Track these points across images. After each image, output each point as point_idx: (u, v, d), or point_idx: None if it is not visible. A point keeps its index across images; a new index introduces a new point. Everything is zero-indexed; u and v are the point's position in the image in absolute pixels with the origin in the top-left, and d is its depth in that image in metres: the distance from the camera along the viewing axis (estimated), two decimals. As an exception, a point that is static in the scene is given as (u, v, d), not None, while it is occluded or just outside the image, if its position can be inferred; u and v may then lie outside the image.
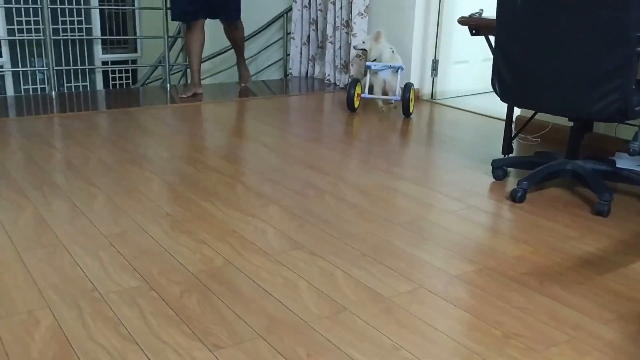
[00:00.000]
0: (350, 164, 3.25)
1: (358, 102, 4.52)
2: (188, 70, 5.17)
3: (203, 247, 2.13)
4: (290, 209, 2.51)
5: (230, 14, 4.81)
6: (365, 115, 4.60)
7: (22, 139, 3.44)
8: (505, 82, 2.68)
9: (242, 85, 5.29)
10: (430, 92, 4.97)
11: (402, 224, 2.41)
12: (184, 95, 4.79)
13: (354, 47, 4.85)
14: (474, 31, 3.17)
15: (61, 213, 2.40)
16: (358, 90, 4.45)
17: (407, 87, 4.29)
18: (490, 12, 3.13)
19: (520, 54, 2.58)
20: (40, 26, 6.26)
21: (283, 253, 2.11)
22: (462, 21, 3.15)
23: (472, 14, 3.15)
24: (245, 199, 2.62)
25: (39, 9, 6.28)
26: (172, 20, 4.77)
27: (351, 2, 5.04)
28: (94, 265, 1.98)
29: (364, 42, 4.64)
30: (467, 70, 5.08)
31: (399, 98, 4.34)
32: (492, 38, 2.99)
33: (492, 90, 2.77)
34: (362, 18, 5.04)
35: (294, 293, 1.84)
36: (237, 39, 5.03)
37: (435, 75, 4.92)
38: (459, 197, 2.73)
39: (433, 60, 4.88)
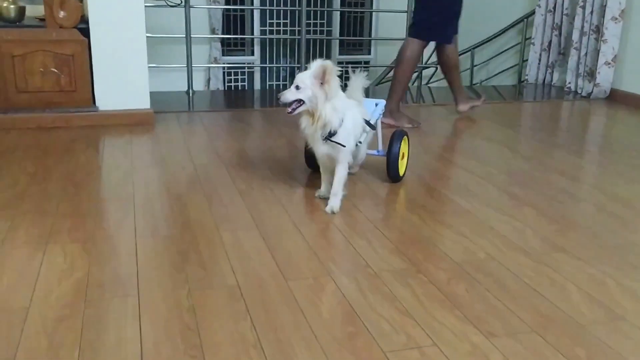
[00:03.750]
0: (604, 173, 3.08)
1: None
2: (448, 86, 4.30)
3: (463, 240, 2.18)
4: (546, 213, 2.47)
5: None
6: (612, 124, 4.33)
7: (283, 127, 3.79)
8: None
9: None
10: (691, 104, 4.51)
11: (673, 240, 2.24)
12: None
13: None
14: None
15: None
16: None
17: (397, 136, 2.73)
18: None
19: None
20: (289, 27, 6.82)
21: (545, 255, 2.08)
22: None
23: None
24: (498, 198, 2.63)
25: (288, 12, 6.85)
26: (431, 41, 3.95)
27: (604, 6, 4.77)
28: (364, 244, 2.13)
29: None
30: None
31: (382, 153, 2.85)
32: None
33: None
34: (615, 23, 4.74)
35: (562, 295, 1.81)
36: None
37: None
38: None
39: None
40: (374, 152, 2.87)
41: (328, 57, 7.33)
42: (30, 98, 3.59)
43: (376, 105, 2.83)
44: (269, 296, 1.77)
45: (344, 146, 2.37)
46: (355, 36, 7.36)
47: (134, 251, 2.03)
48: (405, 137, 2.79)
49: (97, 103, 3.70)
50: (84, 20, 3.63)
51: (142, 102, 3.74)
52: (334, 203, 2.40)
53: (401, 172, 2.78)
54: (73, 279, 1.83)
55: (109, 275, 1.87)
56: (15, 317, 1.62)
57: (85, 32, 3.59)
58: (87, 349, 1.49)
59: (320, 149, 2.42)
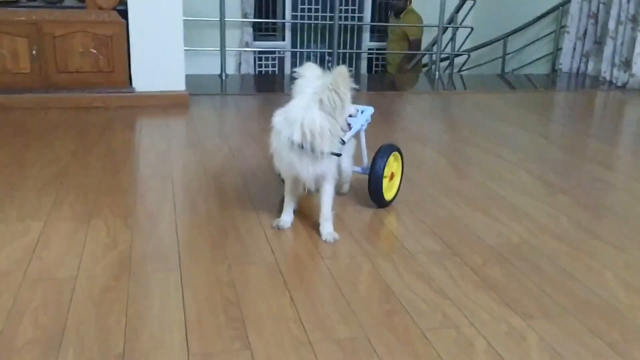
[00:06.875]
0: (639, 162, 3.06)
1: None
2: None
3: (497, 224, 2.20)
4: (581, 200, 2.46)
5: None
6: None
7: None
8: None
9: None
10: None
11: None
12: None
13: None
14: None
15: (361, 178, 2.63)
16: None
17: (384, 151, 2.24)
18: None
19: None
20: (320, 13, 6.82)
21: (581, 241, 2.08)
22: None
23: None
24: (531, 185, 2.63)
25: (320, -2, 6.86)
26: None
27: (643, -5, 4.69)
28: (399, 226, 2.16)
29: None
30: None
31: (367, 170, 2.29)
32: None
33: None
34: (654, 12, 4.66)
35: (599, 280, 1.82)
36: None
37: None
38: None
39: None
40: (358, 169, 2.34)
41: (359, 43, 7.34)
42: (69, 78, 3.67)
43: (361, 112, 2.20)
44: (307, 273, 1.81)
45: (339, 155, 1.98)
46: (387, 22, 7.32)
47: (174, 227, 2.08)
48: (396, 152, 2.30)
49: (134, 84, 3.76)
50: (123, 2, 3.69)
51: (178, 84, 3.79)
52: (331, 229, 2.04)
53: (389, 195, 2.28)
54: (117, 252, 1.89)
55: (151, 249, 1.92)
56: (64, 286, 1.68)
57: (124, 14, 3.65)
58: (134, 318, 1.55)
59: (309, 170, 1.95)
